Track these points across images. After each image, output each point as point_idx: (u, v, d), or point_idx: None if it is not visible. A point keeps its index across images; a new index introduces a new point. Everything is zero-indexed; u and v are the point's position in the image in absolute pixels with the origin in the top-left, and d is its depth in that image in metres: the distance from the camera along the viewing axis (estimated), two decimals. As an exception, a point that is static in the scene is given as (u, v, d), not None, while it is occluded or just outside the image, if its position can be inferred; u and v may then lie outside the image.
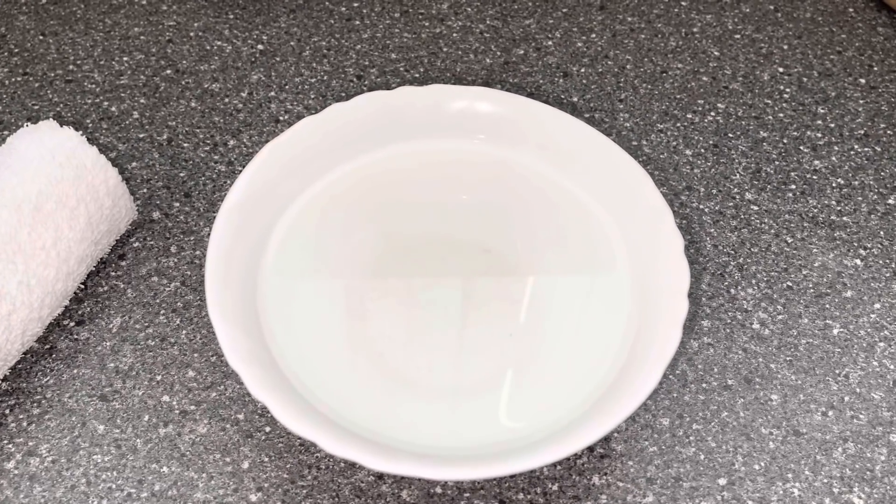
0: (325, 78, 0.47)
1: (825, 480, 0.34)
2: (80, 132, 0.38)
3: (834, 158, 0.45)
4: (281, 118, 0.45)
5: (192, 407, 0.35)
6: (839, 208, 0.43)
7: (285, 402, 0.29)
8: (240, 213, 0.34)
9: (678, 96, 0.48)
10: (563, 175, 0.37)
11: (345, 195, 0.37)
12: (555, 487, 0.33)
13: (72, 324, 0.37)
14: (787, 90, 0.48)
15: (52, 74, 0.47)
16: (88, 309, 0.37)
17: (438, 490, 0.33)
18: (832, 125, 0.47)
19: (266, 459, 0.34)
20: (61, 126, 0.38)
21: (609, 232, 0.36)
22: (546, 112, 0.37)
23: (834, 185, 0.44)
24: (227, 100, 0.46)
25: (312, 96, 0.46)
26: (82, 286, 0.38)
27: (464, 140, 0.38)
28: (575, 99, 0.47)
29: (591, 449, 0.34)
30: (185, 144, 0.44)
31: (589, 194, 0.37)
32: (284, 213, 0.36)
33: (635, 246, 0.35)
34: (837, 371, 0.37)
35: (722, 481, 0.34)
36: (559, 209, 0.37)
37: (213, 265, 0.31)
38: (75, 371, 0.36)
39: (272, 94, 0.46)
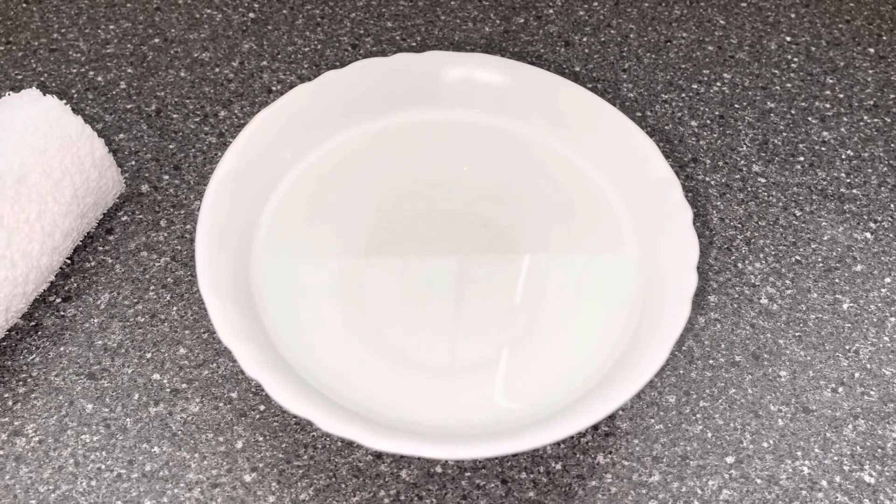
0: (319, 47, 0.46)
1: (835, 458, 0.33)
2: (65, 102, 0.36)
3: (843, 129, 0.44)
4: (273, 88, 0.44)
5: (184, 385, 0.34)
6: (849, 181, 0.42)
7: (280, 380, 0.27)
8: (231, 184, 0.32)
9: (683, 66, 0.46)
10: (566, 146, 0.36)
11: (340, 166, 0.36)
12: (558, 466, 0.32)
13: (58, 300, 0.36)
14: (795, 60, 0.47)
15: (36, 43, 0.45)
16: (75, 285, 0.36)
17: (439, 469, 0.32)
18: (841, 95, 0.45)
19: (261, 439, 0.33)
20: (44, 95, 0.36)
21: (614, 204, 0.34)
22: (548, 80, 0.36)
23: (843, 156, 0.43)
24: (217, 69, 0.44)
25: (306, 66, 0.45)
26: (69, 261, 0.37)
27: (462, 110, 0.37)
28: (577, 69, 0.45)
29: (595, 427, 0.33)
30: (175, 115, 0.42)
31: (592, 165, 0.35)
32: (278, 184, 0.34)
33: (641, 218, 0.33)
34: (847, 347, 0.36)
35: (730, 459, 0.33)
36: (561, 181, 0.36)
37: (203, 238, 0.30)
38: (62, 349, 0.34)
39: (264, 63, 0.45)
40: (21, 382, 0.33)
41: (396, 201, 0.37)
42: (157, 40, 0.45)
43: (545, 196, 0.36)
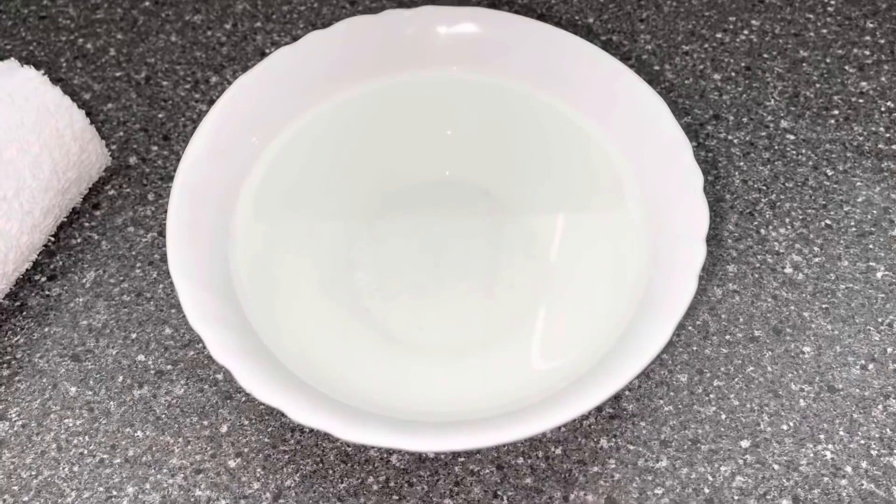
0: (315, 5, 0.43)
1: (862, 441, 0.31)
2: (43, 71, 0.35)
3: (883, 79, 0.40)
4: (267, 51, 0.42)
5: (169, 367, 0.33)
6: (888, 135, 0.38)
7: (252, 367, 0.26)
8: (207, 157, 0.31)
9: (706, 13, 0.42)
10: (568, 106, 0.33)
11: (327, 133, 0.34)
12: (558, 451, 0.30)
13: (43, 279, 0.35)
14: (831, 3, 0.43)
15: (26, 11, 0.43)
16: (60, 263, 0.35)
17: (430, 455, 0.30)
18: (882, 41, 0.41)
19: (246, 423, 0.31)
20: (22, 66, 0.35)
21: (620, 168, 0.32)
22: (547, 34, 0.33)
23: (882, 109, 0.39)
24: (209, 32, 0.42)
25: (301, 26, 0.42)
26: (53, 238, 0.36)
27: (458, 69, 0.34)
28: (591, 20, 0.42)
29: (598, 409, 0.31)
30: (165, 83, 0.40)
31: (597, 126, 0.32)
32: (260, 155, 0.32)
33: (649, 184, 0.31)
34: (880, 319, 0.33)
35: (745, 443, 0.31)
36: (564, 144, 0.33)
37: (175, 217, 0.29)
38: (46, 329, 0.33)
39: (258, 24, 0.43)
40: (5, 365, 0.33)
41: (388, 169, 0.34)
42: (147, 3, 0.44)
43: (543, 159, 0.33)
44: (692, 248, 0.28)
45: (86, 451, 0.31)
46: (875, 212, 0.36)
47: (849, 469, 0.30)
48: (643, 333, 0.27)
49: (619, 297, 0.29)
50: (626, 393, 0.32)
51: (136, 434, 0.31)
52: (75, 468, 0.30)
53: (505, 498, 0.30)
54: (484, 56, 0.34)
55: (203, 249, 0.29)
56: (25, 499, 0.30)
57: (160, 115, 0.39)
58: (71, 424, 0.31)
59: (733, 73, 0.40)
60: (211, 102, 0.40)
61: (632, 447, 0.31)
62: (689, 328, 0.33)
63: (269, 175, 0.32)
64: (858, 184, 0.37)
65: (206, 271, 0.28)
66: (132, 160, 0.38)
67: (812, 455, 0.30)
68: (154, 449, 0.31)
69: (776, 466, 0.30)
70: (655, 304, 0.27)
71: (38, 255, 0.35)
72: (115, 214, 0.36)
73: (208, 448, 0.31)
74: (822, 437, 0.31)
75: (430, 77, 0.34)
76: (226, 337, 0.26)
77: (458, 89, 0.34)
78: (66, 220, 0.36)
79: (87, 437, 0.31)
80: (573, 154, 0.33)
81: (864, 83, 0.40)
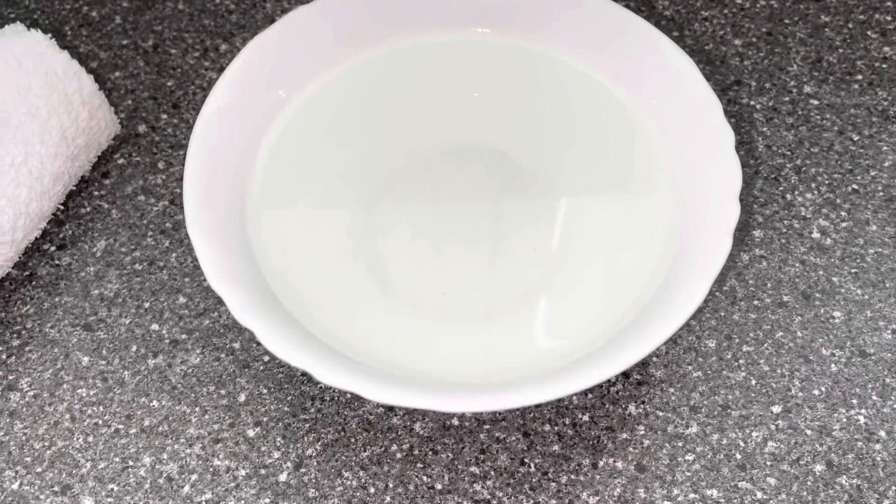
0: (326, -28, 0.42)
1: (895, 406, 0.30)
2: (50, 35, 0.34)
3: (907, 44, 0.39)
4: (277, 17, 0.41)
5: (184, 336, 0.32)
6: (913, 100, 0.37)
7: (275, 328, 0.25)
8: (223, 117, 0.30)
9: (725, -21, 0.42)
10: (591, 66, 0.32)
11: (345, 96, 0.33)
12: (585, 418, 0.30)
13: (52, 248, 0.34)
14: (853, -33, 0.42)
15: (29, -21, 0.42)
16: (70, 232, 0.34)
17: (455, 422, 0.30)
18: (905, 6, 0.40)
19: (265, 391, 0.30)
20: (29, 30, 0.34)
21: (647, 128, 0.31)
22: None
23: (907, 73, 0.38)
24: (217, 0, 0.41)
25: (312, -7, 0.41)
26: (62, 207, 0.35)
27: (474, 29, 0.33)
28: (607, -14, 0.41)
29: (626, 375, 0.31)
30: (173, 51, 0.39)
31: (621, 86, 0.32)
32: (276, 117, 0.32)
33: (678, 143, 0.30)
34: (911, 284, 0.33)
35: (776, 409, 0.30)
36: (587, 105, 0.32)
37: (192, 176, 0.28)
38: (57, 299, 0.32)
39: (267, -8, 0.42)
40: (15, 335, 0.32)
41: (407, 134, 0.33)
42: (153, -29, 0.43)
43: (568, 122, 0.33)
44: (726, 207, 0.27)
45: (100, 422, 0.30)
46: (902, 176, 0.35)
47: (882, 433, 0.29)
48: (678, 293, 0.26)
49: (649, 259, 0.29)
50: (654, 359, 0.31)
51: (151, 404, 0.30)
52: (90, 438, 0.30)
53: (532, 465, 0.29)
54: (511, 18, 0.33)
55: (220, 209, 0.28)
56: (39, 470, 0.29)
57: (169, 84, 0.38)
58: (84, 394, 0.30)
59: (754, 39, 0.40)
60: (221, 70, 0.39)
61: (661, 413, 0.30)
62: (717, 294, 0.32)
63: (290, 133, 0.31)
64: (885, 148, 0.36)
65: (223, 231, 0.27)
66: (141, 128, 0.37)
67: (845, 420, 0.30)
68: (170, 418, 0.30)
69: (809, 432, 0.30)
70: (689, 263, 0.27)
71: (47, 224, 0.34)
72: (125, 183, 0.35)
73: (226, 417, 0.30)
74: (854, 401, 0.30)
75: (451, 39, 0.33)
76: (246, 298, 0.26)
77: (486, 52, 0.33)
78: (74, 188, 0.35)
79: (101, 407, 0.30)
80: (600, 117, 0.32)
81: (886, 48, 0.39)
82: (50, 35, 0.34)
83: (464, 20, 0.33)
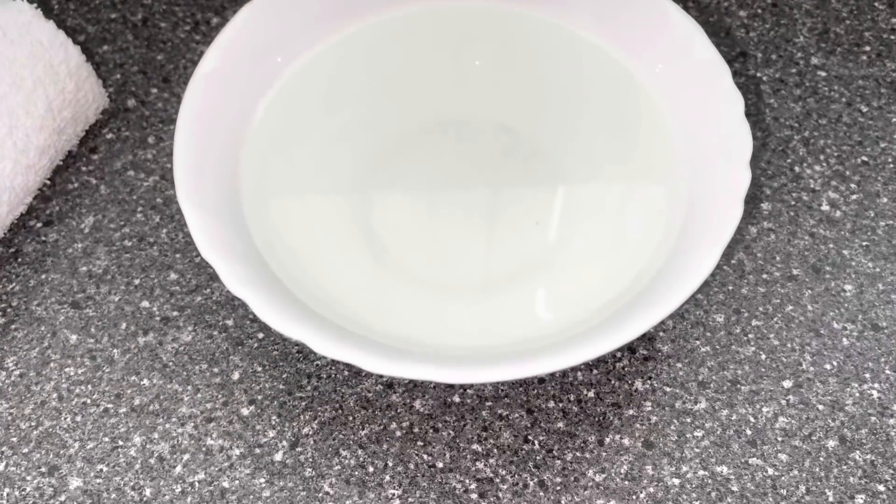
0: (320, -55, 0.41)
1: (910, 381, 0.29)
2: (35, 5, 0.33)
3: (915, 15, 0.38)
4: (270, -9, 0.39)
5: (175, 313, 0.31)
6: (922, 71, 0.37)
7: (268, 298, 0.24)
8: (216, 82, 0.28)
9: (729, -50, 0.41)
10: (595, 33, 0.31)
11: (343, 64, 0.32)
12: (591, 394, 0.29)
13: (38, 224, 0.33)
14: (859, -62, 0.41)
15: (14, -47, 0.41)
16: (57, 208, 0.33)
17: (456, 399, 0.29)
18: (912, -23, 0.40)
19: (259, 369, 0.29)
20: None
21: (653, 95, 0.30)
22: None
23: (916, 45, 0.37)
24: (209, -27, 0.40)
25: (306, -34, 0.40)
26: (49, 182, 0.34)
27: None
28: (608, -42, 0.40)
29: (632, 350, 0.30)
30: (163, 24, 0.38)
31: (627, 53, 0.31)
32: (271, 84, 0.30)
33: (686, 110, 0.29)
34: (923, 256, 0.32)
35: (787, 384, 0.29)
36: (591, 73, 0.31)
37: (183, 142, 0.27)
38: (44, 276, 0.31)
39: (260, -35, 0.40)
40: (0, 313, 0.31)
41: (405, 104, 0.32)
42: (143, -56, 0.41)
43: (572, 91, 0.32)
44: (736, 173, 0.26)
45: (89, 401, 0.29)
46: (913, 148, 0.34)
47: (897, 408, 0.29)
48: (687, 262, 0.25)
49: (657, 229, 0.28)
50: (661, 334, 0.30)
51: (142, 382, 0.29)
52: (78, 418, 0.28)
53: (536, 443, 0.28)
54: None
55: (212, 178, 0.27)
56: (25, 450, 0.28)
57: (159, 58, 0.37)
58: (72, 373, 0.29)
59: (759, 10, 0.39)
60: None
61: (668, 389, 0.29)
62: (725, 267, 0.31)
63: (284, 101, 0.30)
64: (894, 120, 0.35)
65: (215, 201, 0.26)
66: (130, 103, 0.36)
67: (858, 395, 0.29)
68: (162, 397, 0.29)
69: (820, 407, 0.29)
70: (699, 232, 0.26)
71: (33, 200, 0.33)
72: (113, 158, 0.34)
73: (219, 396, 0.29)
74: (867, 376, 0.29)
75: (461, 6, 0.32)
76: (239, 268, 0.25)
77: (488, 20, 0.32)
78: (61, 163, 0.34)
79: (89, 386, 0.29)
80: (604, 85, 0.31)
81: (894, 19, 0.38)
82: (35, 5, 0.33)
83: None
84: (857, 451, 0.28)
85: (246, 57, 0.29)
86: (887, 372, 0.29)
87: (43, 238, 0.32)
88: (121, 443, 0.28)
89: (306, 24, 0.31)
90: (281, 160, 0.30)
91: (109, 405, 0.29)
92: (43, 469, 0.28)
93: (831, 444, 0.28)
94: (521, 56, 0.32)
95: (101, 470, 0.28)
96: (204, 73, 0.28)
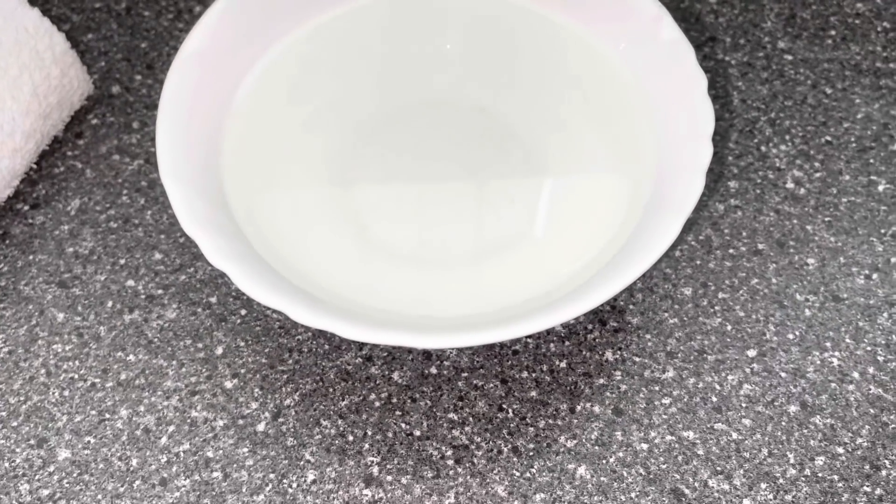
0: (301, -65, 0.42)
1: (868, 348, 0.30)
2: (21, -6, 0.34)
3: (878, 0, 0.39)
4: (252, -20, 0.40)
5: (160, 291, 0.32)
6: (885, 54, 0.38)
7: (249, 270, 0.25)
8: (200, 61, 0.29)
9: (700, -61, 0.42)
10: (563, 13, 0.32)
11: (325, 46, 0.33)
12: (563, 364, 0.30)
13: (26, 207, 0.33)
14: (826, -73, 0.42)
15: (-1, -56, 0.42)
16: (44, 191, 0.34)
17: (433, 370, 0.30)
18: (877, -36, 0.41)
19: (242, 344, 0.30)
20: (-2, -13, 0.33)
21: (621, 74, 0.31)
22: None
23: (879, 29, 0.39)
24: (191, -37, 0.41)
25: (287, -44, 0.41)
26: (35, 166, 0.34)
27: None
28: (582, -53, 0.41)
29: (603, 323, 0.31)
30: (146, 13, 0.39)
31: (592, 32, 0.32)
32: (253, 66, 0.31)
33: (652, 88, 0.30)
34: (883, 231, 0.33)
35: (751, 353, 0.30)
36: (561, 53, 0.32)
37: (166, 120, 0.27)
38: (31, 257, 0.32)
39: (242, -45, 0.41)
40: (-12, 292, 0.31)
41: (382, 85, 0.33)
42: (126, -65, 0.42)
43: (541, 71, 0.33)
44: (698, 147, 0.27)
45: (76, 376, 0.30)
46: (875, 128, 0.36)
47: (856, 375, 0.30)
48: (652, 232, 0.26)
49: (622, 202, 0.29)
50: (630, 307, 0.31)
51: (128, 358, 0.30)
52: (66, 392, 0.29)
53: (510, 411, 0.29)
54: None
55: (194, 154, 0.28)
56: (14, 424, 0.29)
57: (143, 45, 0.38)
58: (60, 350, 0.30)
59: (728, -3, 0.40)
60: (195, 31, 0.38)
61: (637, 359, 0.30)
62: (692, 243, 0.33)
63: (267, 81, 0.31)
64: (857, 101, 0.36)
65: (197, 176, 0.27)
66: (115, 89, 0.37)
67: (819, 362, 0.30)
68: (147, 372, 0.30)
69: (783, 374, 0.30)
70: (664, 203, 0.27)
71: (20, 184, 0.34)
72: (98, 143, 0.35)
73: (203, 370, 0.30)
74: (828, 345, 0.30)
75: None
76: (221, 241, 0.25)
77: (458, 4, 0.33)
78: (47, 148, 0.35)
79: (76, 362, 0.30)
80: (574, 65, 0.32)
81: (859, 4, 0.39)
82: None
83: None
84: (818, 416, 0.29)
85: (229, 38, 0.30)
86: (847, 340, 0.30)
87: (30, 220, 0.33)
88: (108, 416, 0.29)
89: (288, 7, 0.32)
90: (261, 140, 0.31)
91: (96, 380, 0.30)
92: (32, 441, 0.28)
93: (793, 409, 0.29)
94: (490, 38, 0.33)
95: (89, 441, 0.28)
96: (187, 54, 0.29)
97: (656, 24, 0.30)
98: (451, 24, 0.33)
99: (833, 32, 0.39)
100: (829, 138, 0.35)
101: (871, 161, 0.35)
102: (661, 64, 0.30)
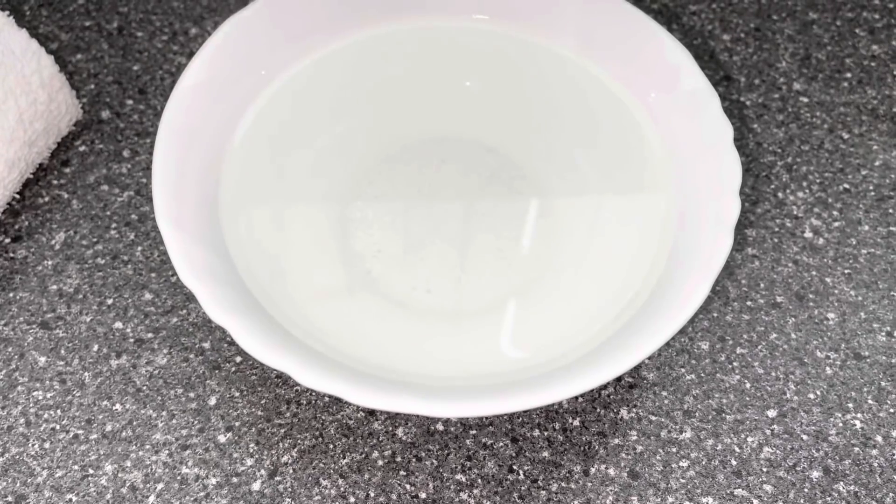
0: (303, -44, 0.40)
1: (891, 410, 0.29)
2: (8, 13, 0.32)
3: (894, 43, 0.39)
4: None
5: (150, 335, 0.30)
6: (902, 99, 0.37)
7: (250, 325, 0.23)
8: (197, 100, 0.28)
9: (713, -27, 0.41)
10: (583, 56, 0.31)
11: (329, 80, 0.31)
12: (576, 423, 0.28)
13: (7, 240, 0.31)
14: (840, -35, 0.41)
15: (-16, -45, 0.40)
16: (26, 223, 0.32)
17: (440, 427, 0.28)
18: (891, 5, 0.40)
19: (237, 394, 0.29)
20: (-17, 5, 0.32)
21: (641, 122, 0.30)
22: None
23: (895, 73, 0.38)
24: (188, -18, 0.39)
25: (288, -23, 0.40)
26: (18, 196, 0.32)
27: (465, 16, 0.32)
28: (593, -22, 0.40)
29: (617, 378, 0.29)
30: (139, 34, 0.37)
31: (617, 79, 0.30)
32: (254, 100, 0.30)
33: (675, 138, 0.29)
34: (904, 285, 0.32)
35: (771, 413, 0.29)
36: (578, 98, 0.31)
37: (162, 159, 0.26)
38: (11, 295, 0.30)
39: (241, -25, 0.40)
40: (-36, 333, 0.29)
41: (388, 123, 0.32)
42: (119, -50, 0.40)
43: (559, 114, 0.31)
44: (726, 203, 0.26)
45: (58, 426, 0.28)
46: (893, 175, 0.35)
47: (879, 438, 0.29)
48: (676, 293, 0.25)
49: (645, 257, 0.27)
50: (646, 362, 0.30)
51: (114, 407, 0.28)
52: (46, 445, 0.27)
53: (521, 472, 0.28)
54: (509, 5, 0.31)
55: (191, 198, 0.26)
56: (-11, 479, 0.27)
57: (135, 68, 0.36)
58: (41, 397, 0.28)
59: (742, 35, 0.39)
60: (191, 55, 0.37)
61: (654, 418, 0.29)
62: (710, 294, 0.31)
63: (268, 117, 0.29)
64: (875, 147, 0.36)
65: (195, 222, 0.25)
66: (105, 114, 0.35)
67: (841, 424, 0.29)
68: (135, 423, 0.28)
69: (805, 437, 0.29)
70: (686, 264, 0.26)
71: (2, 214, 0.32)
72: (86, 172, 0.33)
73: (195, 422, 0.28)
74: (850, 405, 0.29)
75: (434, 24, 0.32)
76: (220, 293, 0.24)
77: (479, 40, 0.32)
78: (31, 176, 0.33)
79: (59, 411, 0.28)
80: (593, 111, 0.31)
81: (875, 46, 0.39)
82: (8, 12, 0.32)
83: (460, 5, 0.31)
84: (841, 482, 0.28)
85: (229, 71, 0.29)
86: (870, 401, 0.29)
87: (11, 254, 0.31)
88: (91, 471, 0.27)
89: (291, 38, 0.30)
90: (262, 179, 0.29)
91: (80, 431, 0.28)
92: (10, 498, 0.26)
93: (815, 474, 0.28)
94: (510, 78, 0.32)
95: (71, 500, 0.26)
96: (186, 87, 0.27)
97: (681, 71, 0.29)
98: (470, 61, 0.32)
99: (849, 75, 0.38)
100: (846, 185, 0.34)
101: (891, 211, 0.34)
102: (685, 112, 0.29)
